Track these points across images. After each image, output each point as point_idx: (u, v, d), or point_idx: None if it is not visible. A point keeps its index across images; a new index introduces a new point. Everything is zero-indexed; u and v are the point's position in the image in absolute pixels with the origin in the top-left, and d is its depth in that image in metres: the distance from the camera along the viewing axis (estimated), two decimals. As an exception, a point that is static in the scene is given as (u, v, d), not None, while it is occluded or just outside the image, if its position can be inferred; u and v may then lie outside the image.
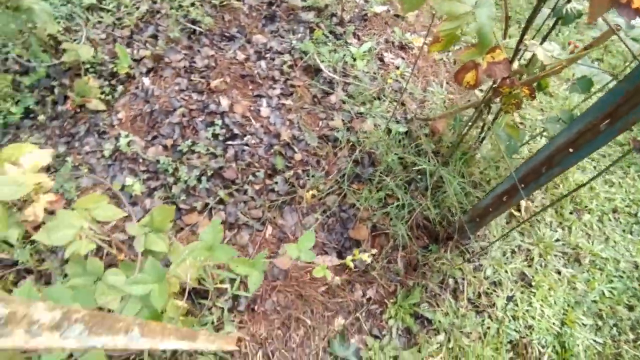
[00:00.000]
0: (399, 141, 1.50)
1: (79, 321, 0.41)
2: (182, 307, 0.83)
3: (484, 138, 1.26)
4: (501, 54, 0.71)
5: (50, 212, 0.76)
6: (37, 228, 0.76)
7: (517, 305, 1.39)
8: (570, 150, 0.74)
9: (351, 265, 1.04)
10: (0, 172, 0.67)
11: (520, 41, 0.86)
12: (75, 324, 0.41)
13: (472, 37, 1.88)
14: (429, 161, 1.34)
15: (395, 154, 1.44)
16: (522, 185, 0.91)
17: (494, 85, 0.80)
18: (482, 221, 1.17)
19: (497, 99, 0.86)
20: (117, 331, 0.47)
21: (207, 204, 1.36)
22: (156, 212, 0.92)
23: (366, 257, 0.96)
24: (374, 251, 1.10)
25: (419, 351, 1.28)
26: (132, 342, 0.49)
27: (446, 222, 1.34)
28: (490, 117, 1.22)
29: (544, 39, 1.01)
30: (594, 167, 1.73)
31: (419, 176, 1.43)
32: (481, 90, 1.20)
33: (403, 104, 1.68)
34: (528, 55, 1.01)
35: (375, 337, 1.29)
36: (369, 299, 1.34)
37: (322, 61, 1.72)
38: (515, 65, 0.93)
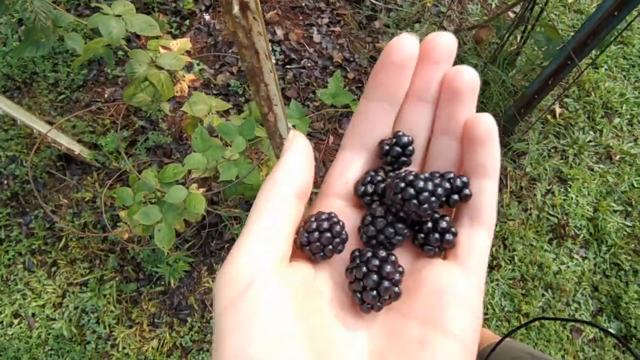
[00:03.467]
0: (443, 56, 1.64)
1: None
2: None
3: (525, 40, 1.39)
4: None
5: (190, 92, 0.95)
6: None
7: (554, 196, 1.56)
8: (615, 13, 0.89)
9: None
10: (156, 53, 0.85)
11: None
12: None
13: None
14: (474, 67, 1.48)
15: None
16: (568, 62, 1.05)
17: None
18: (525, 111, 1.32)
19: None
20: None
21: (275, 119, 1.54)
22: (254, 105, 1.10)
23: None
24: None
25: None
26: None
27: (491, 122, 1.50)
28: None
29: None
30: (624, 77, 1.84)
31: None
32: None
33: (442, 26, 1.80)
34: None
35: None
36: (423, 194, 1.52)
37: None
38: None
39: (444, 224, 0.21)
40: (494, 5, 1.90)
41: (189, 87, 0.93)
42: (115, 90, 1.61)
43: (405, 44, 0.20)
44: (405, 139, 0.22)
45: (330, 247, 0.21)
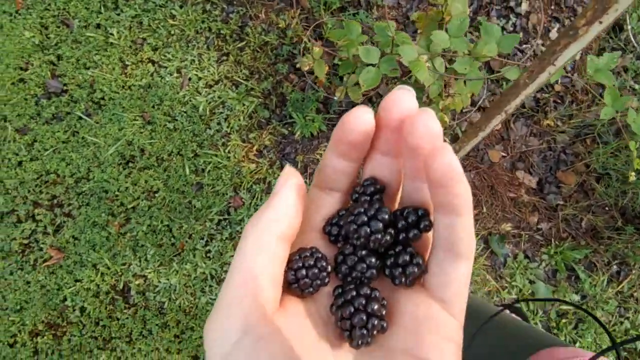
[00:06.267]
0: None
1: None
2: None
3: None
4: None
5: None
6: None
7: (657, 326, 1.42)
8: None
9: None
10: None
11: None
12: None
13: None
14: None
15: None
16: None
17: None
18: None
19: None
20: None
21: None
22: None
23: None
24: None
25: (553, 292, 1.41)
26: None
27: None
28: None
29: None
30: None
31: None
32: None
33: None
34: None
35: (526, 257, 1.43)
36: (539, 229, 1.46)
37: (629, 23, 1.67)
38: None
39: (406, 257, 0.21)
40: None
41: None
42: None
43: (359, 121, 0.20)
44: (372, 188, 0.23)
45: (318, 281, 0.22)
